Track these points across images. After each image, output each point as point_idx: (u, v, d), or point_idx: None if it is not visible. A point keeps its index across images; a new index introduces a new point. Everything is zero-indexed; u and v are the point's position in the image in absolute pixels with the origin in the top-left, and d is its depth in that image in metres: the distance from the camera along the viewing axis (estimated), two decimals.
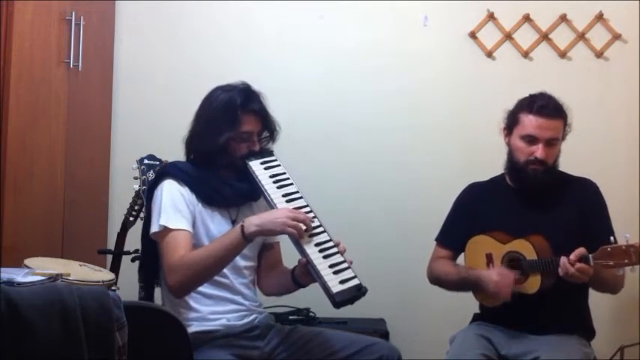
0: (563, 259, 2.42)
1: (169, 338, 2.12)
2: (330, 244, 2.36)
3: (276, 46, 3.58)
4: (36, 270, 1.96)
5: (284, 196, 2.41)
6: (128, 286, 2.61)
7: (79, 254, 2.47)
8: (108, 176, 3.54)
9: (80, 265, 2.22)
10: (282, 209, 2.34)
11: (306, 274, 2.39)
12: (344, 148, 3.56)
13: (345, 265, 2.34)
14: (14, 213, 2.71)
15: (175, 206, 2.38)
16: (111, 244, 3.11)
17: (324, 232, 2.38)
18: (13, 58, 2.70)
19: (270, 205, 2.39)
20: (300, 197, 2.44)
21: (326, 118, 3.56)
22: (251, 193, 2.48)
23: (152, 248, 2.44)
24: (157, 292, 2.64)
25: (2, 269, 1.92)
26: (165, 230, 2.35)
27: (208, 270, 2.34)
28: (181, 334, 2.15)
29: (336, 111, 3.56)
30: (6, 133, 2.68)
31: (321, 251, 2.33)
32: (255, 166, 2.44)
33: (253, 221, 2.29)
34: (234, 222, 2.47)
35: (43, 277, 1.91)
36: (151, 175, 2.74)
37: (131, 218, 2.86)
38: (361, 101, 3.57)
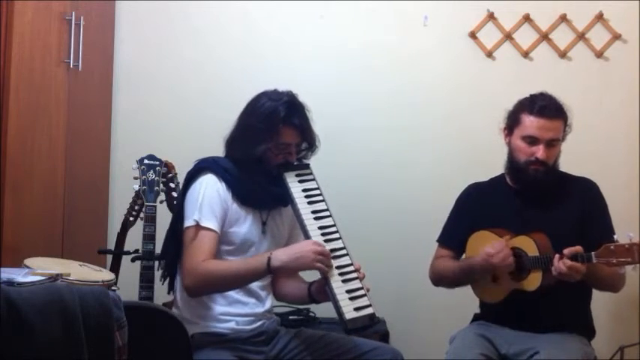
0: (556, 258, 2.42)
1: (169, 338, 2.12)
2: (351, 268, 2.38)
3: (277, 46, 3.58)
4: (36, 270, 1.97)
5: (313, 212, 2.44)
6: (128, 286, 2.61)
7: (79, 254, 2.48)
8: (108, 176, 3.53)
9: (80, 265, 2.22)
10: (307, 244, 2.34)
11: (323, 293, 2.40)
12: (344, 148, 3.55)
13: (362, 292, 2.35)
14: (14, 213, 2.70)
15: (210, 205, 2.40)
16: (111, 244, 3.12)
17: (346, 254, 2.40)
18: (13, 58, 2.69)
19: (299, 220, 2.42)
20: (329, 216, 2.46)
21: (326, 117, 3.51)
22: (283, 198, 2.50)
23: (177, 244, 2.44)
24: (158, 291, 2.65)
25: (2, 269, 1.92)
26: (196, 227, 2.37)
27: (224, 284, 2.39)
28: (181, 335, 2.15)
29: (335, 111, 3.55)
30: (6, 134, 2.67)
31: (340, 274, 2.35)
32: (290, 177, 2.47)
33: (280, 256, 2.32)
34: (264, 224, 2.50)
35: (43, 277, 1.91)
36: (152, 175, 2.75)
37: (131, 218, 2.86)
38: (361, 101, 3.56)
